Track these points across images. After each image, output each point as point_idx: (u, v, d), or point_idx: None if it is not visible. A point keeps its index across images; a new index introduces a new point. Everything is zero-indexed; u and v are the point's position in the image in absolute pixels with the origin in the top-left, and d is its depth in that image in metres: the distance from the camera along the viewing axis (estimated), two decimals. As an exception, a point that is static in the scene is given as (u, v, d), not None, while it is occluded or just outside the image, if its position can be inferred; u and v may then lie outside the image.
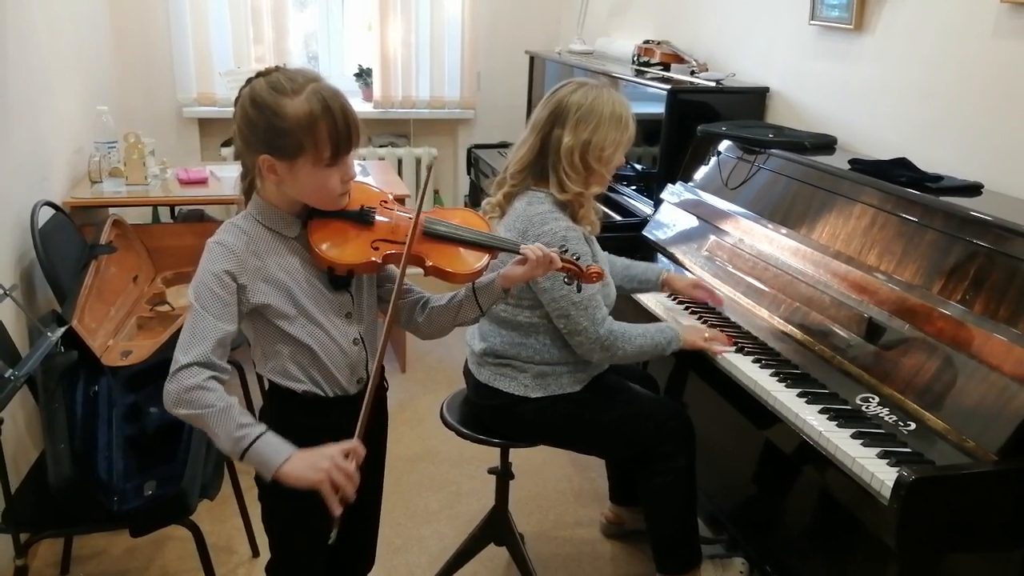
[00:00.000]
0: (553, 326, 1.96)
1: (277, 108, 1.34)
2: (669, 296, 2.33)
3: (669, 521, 2.09)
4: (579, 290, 1.75)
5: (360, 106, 4.42)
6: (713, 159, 2.66)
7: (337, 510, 1.32)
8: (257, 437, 1.32)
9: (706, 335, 2.03)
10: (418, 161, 4.57)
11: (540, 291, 1.91)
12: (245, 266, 1.39)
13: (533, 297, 1.94)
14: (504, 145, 4.16)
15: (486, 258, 1.53)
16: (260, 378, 1.54)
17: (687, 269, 2.44)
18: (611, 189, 2.18)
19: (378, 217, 1.49)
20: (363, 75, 4.56)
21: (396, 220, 1.50)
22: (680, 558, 2.10)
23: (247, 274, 1.39)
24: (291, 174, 1.38)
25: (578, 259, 1.60)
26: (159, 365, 2.22)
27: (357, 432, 1.36)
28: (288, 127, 1.34)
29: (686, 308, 2.27)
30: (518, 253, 1.54)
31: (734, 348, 2.00)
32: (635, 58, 3.36)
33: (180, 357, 1.32)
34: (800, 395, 1.76)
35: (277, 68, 1.40)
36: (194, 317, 1.35)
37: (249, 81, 1.39)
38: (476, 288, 1.57)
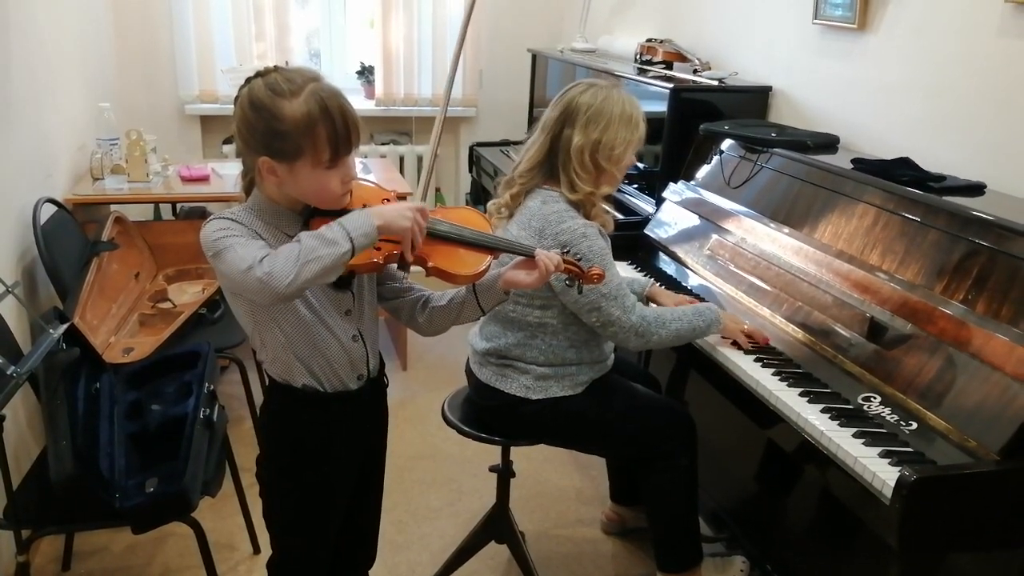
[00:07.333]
0: (561, 327, 1.96)
1: (275, 110, 1.33)
2: None
3: (670, 520, 2.09)
4: (580, 292, 1.74)
5: (362, 103, 4.42)
6: (715, 158, 2.66)
7: (411, 258, 1.42)
8: (342, 227, 1.30)
9: (745, 327, 2.02)
10: (419, 159, 4.56)
11: (561, 290, 1.90)
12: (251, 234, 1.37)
13: (544, 297, 1.93)
14: (506, 143, 4.15)
15: (488, 259, 1.51)
16: (260, 374, 1.54)
17: (689, 268, 2.44)
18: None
19: None
20: (365, 72, 4.56)
21: None
22: (681, 556, 2.10)
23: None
24: (291, 176, 1.37)
25: (580, 260, 1.59)
26: (161, 362, 2.24)
27: (420, 195, 1.39)
28: (286, 130, 1.33)
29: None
30: (523, 255, 1.53)
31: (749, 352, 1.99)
32: (637, 56, 3.35)
33: (243, 266, 1.27)
34: (802, 394, 1.76)
35: (276, 68, 1.38)
36: (232, 250, 1.30)
37: (248, 81, 1.38)
38: (477, 290, 1.56)
